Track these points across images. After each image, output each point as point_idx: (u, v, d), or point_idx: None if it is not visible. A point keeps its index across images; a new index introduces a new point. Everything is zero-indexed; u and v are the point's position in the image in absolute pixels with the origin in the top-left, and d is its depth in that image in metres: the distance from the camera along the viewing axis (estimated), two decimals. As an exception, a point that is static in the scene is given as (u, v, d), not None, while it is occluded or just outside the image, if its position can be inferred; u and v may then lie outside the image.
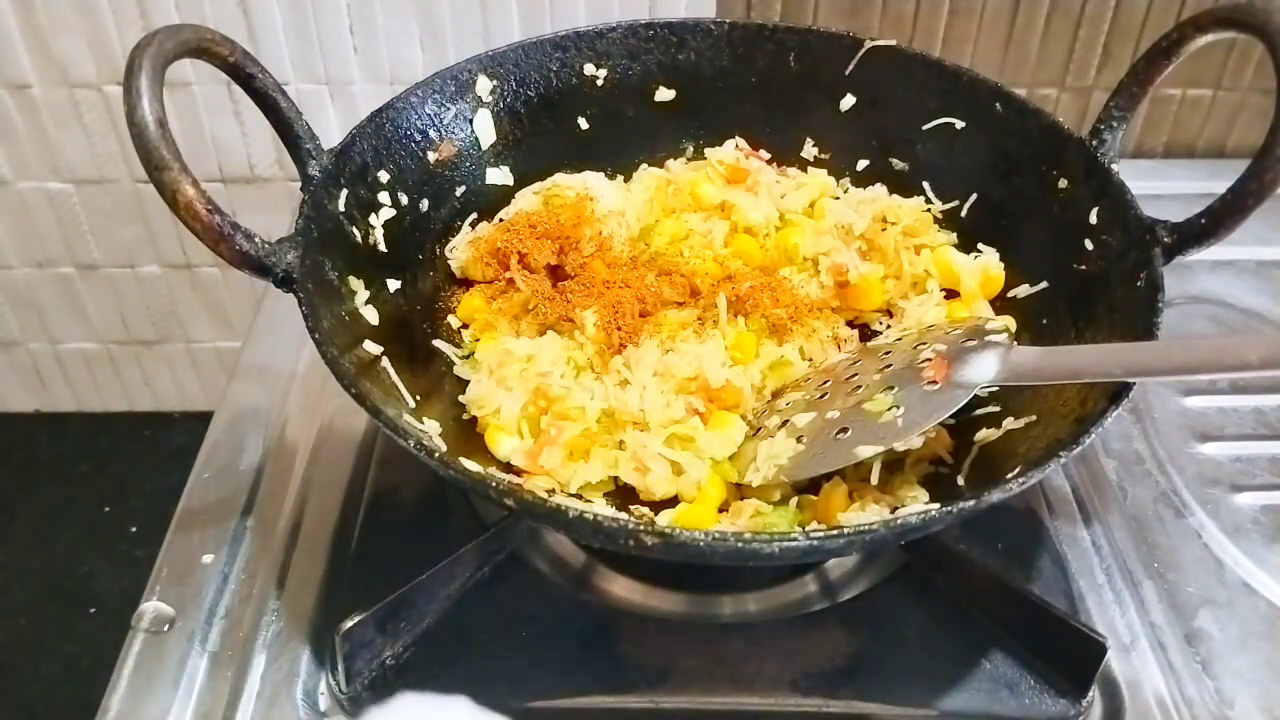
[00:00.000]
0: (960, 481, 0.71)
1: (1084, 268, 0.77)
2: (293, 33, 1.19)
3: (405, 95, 0.83)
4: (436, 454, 0.60)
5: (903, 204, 0.89)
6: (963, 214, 0.88)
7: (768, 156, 0.93)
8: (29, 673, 1.31)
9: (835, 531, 0.56)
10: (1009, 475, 0.60)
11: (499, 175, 0.90)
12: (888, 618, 0.73)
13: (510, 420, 0.74)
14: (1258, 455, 0.87)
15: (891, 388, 0.69)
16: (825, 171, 0.94)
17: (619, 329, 0.77)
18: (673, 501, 0.72)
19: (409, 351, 0.77)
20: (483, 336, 0.81)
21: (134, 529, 1.47)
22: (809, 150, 0.95)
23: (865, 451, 0.67)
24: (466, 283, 0.86)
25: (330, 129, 1.25)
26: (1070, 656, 0.67)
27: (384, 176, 0.80)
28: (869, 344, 0.81)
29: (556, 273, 0.83)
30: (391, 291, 0.78)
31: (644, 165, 0.95)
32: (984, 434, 0.73)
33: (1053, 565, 0.76)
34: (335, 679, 0.67)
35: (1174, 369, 0.62)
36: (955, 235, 0.88)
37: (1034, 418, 0.71)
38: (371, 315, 0.75)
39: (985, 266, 0.83)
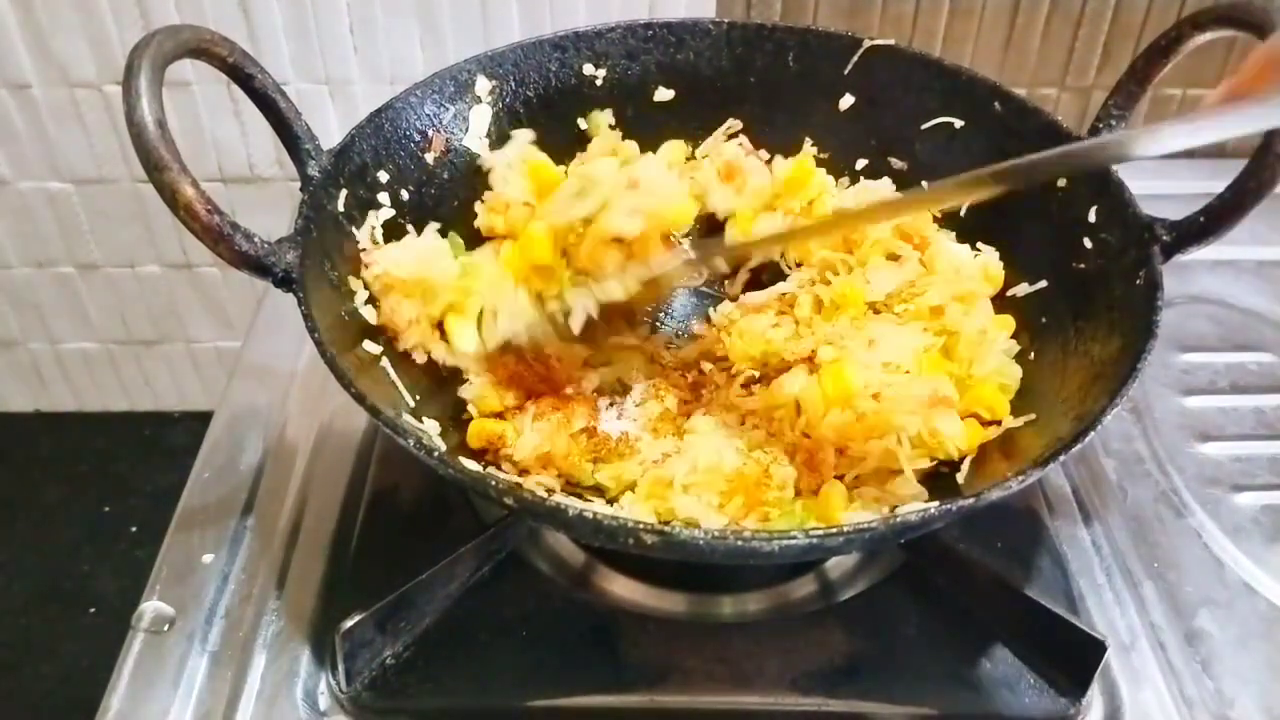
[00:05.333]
0: (960, 481, 0.71)
1: (1083, 266, 0.77)
2: (293, 33, 1.19)
3: (405, 95, 0.83)
4: (436, 453, 0.60)
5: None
6: (962, 213, 0.88)
7: (767, 157, 0.93)
8: (29, 673, 1.31)
9: (835, 530, 0.56)
10: (1009, 474, 0.60)
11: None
12: (888, 617, 0.73)
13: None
14: (1258, 455, 0.87)
15: None
16: (825, 171, 0.94)
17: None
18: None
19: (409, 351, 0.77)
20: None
21: (134, 529, 1.47)
22: (808, 150, 0.95)
23: None
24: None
25: (330, 129, 1.25)
26: (1070, 656, 0.67)
27: (383, 176, 0.80)
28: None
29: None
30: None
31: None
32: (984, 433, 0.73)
33: (1053, 565, 0.76)
34: (335, 679, 0.67)
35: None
36: (954, 234, 0.88)
37: (1034, 417, 0.71)
38: (371, 315, 0.75)
39: (985, 265, 0.83)
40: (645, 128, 0.94)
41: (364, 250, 0.77)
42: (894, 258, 0.85)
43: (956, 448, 0.72)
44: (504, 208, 0.85)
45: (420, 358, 0.77)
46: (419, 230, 0.83)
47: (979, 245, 0.86)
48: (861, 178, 0.93)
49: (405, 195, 0.82)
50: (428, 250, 0.79)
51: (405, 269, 0.75)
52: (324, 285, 0.70)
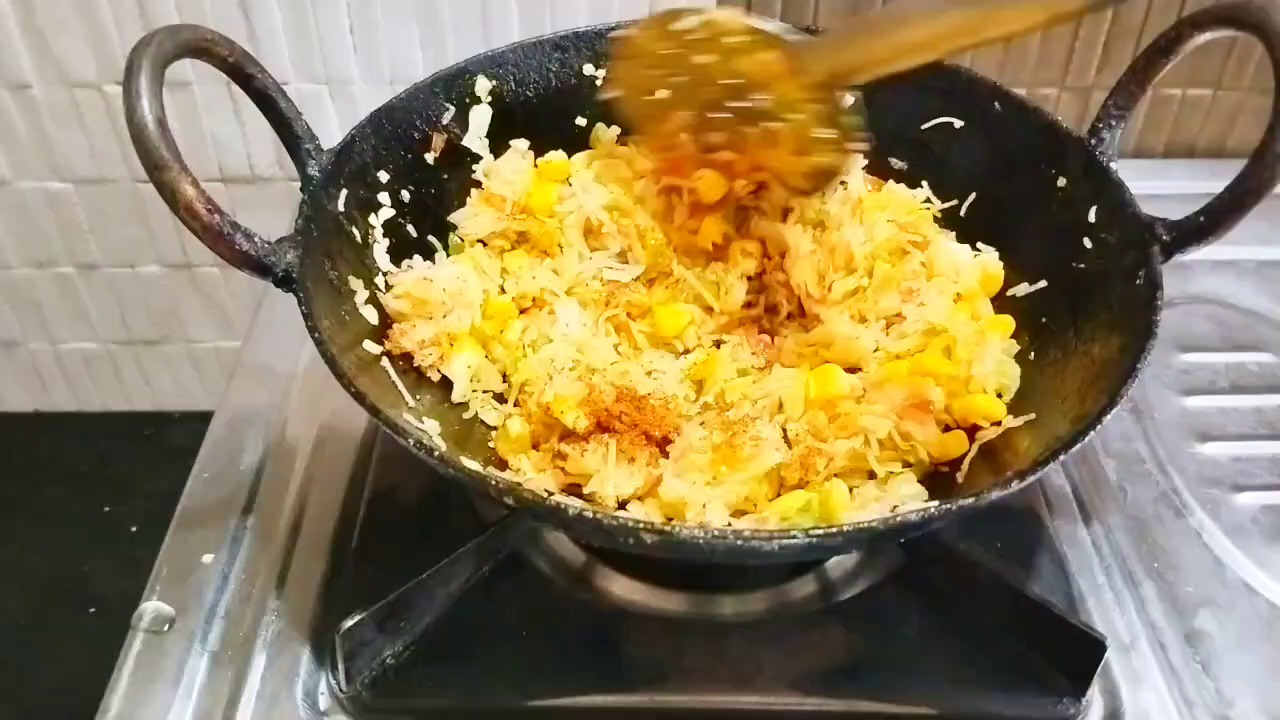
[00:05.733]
0: (960, 480, 0.71)
1: (1083, 266, 0.77)
2: (293, 33, 1.19)
3: (404, 95, 0.83)
4: (436, 453, 0.60)
5: (895, 190, 0.87)
6: (962, 213, 0.88)
7: None
8: (29, 673, 1.31)
9: (835, 530, 0.56)
10: (1009, 474, 0.60)
11: (498, 175, 0.90)
12: (888, 617, 0.73)
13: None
14: (1258, 455, 0.87)
15: None
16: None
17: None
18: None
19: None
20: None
21: (134, 529, 1.47)
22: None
23: None
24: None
25: (330, 129, 1.24)
26: (1070, 656, 0.67)
27: (383, 176, 0.80)
28: None
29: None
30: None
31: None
32: (983, 433, 0.73)
33: (1053, 565, 0.76)
34: (335, 678, 0.67)
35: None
36: (954, 234, 0.88)
37: (1033, 416, 0.71)
38: (371, 315, 0.75)
39: (985, 265, 0.83)
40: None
41: (388, 273, 0.78)
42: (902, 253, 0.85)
43: (929, 454, 0.72)
44: (500, 202, 0.84)
45: (434, 375, 0.77)
46: (418, 230, 0.83)
47: (979, 245, 0.86)
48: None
49: (405, 195, 0.82)
50: (455, 275, 0.79)
51: (433, 291, 0.76)
52: (324, 285, 0.70)
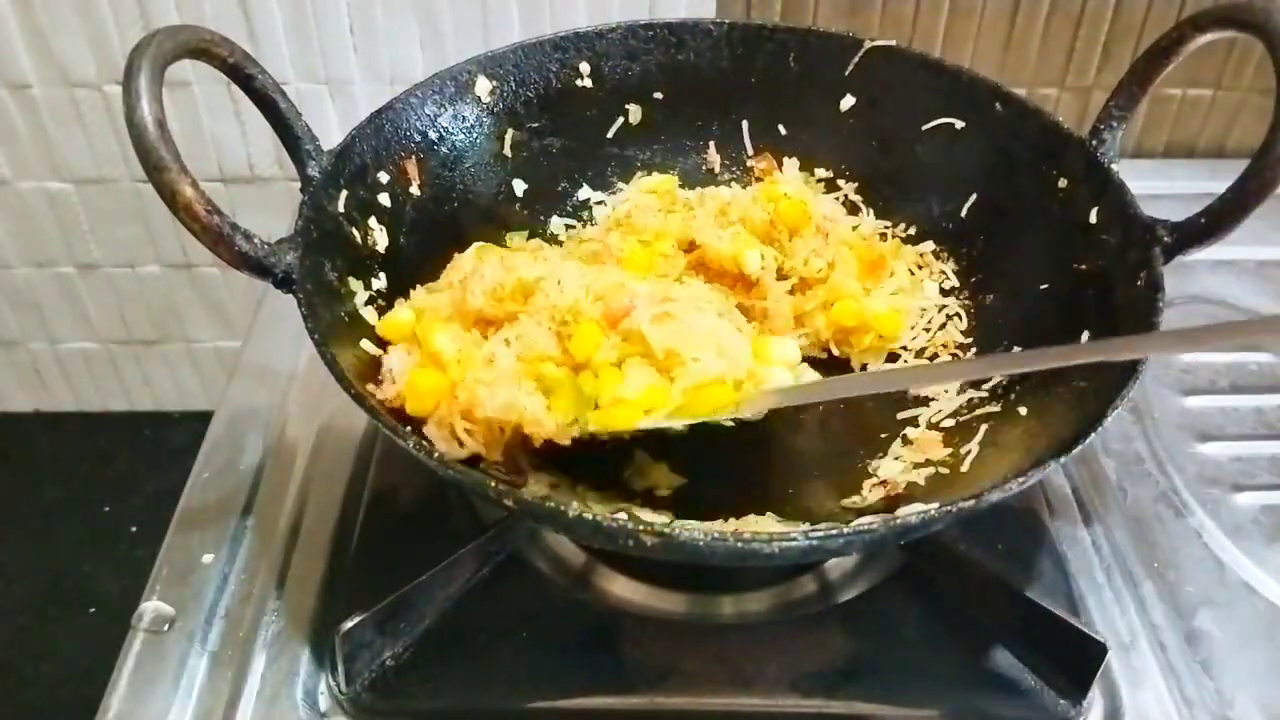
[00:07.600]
0: (960, 482, 0.71)
1: (1084, 267, 0.77)
2: (293, 33, 1.19)
3: (404, 96, 0.83)
4: (436, 454, 0.60)
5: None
6: (962, 214, 0.88)
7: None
8: (29, 673, 1.31)
9: (835, 531, 0.56)
10: (1009, 475, 0.60)
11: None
12: (888, 618, 0.73)
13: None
14: (1258, 455, 0.87)
15: None
16: (826, 169, 0.94)
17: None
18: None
19: (409, 352, 0.76)
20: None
21: (134, 529, 1.47)
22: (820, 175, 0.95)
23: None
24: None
25: (330, 129, 1.25)
26: (1070, 657, 0.67)
27: (383, 177, 0.80)
28: None
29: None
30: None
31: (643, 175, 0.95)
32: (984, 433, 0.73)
33: (1053, 565, 0.76)
34: (335, 679, 0.67)
35: None
36: (956, 235, 0.88)
37: (1031, 416, 0.71)
38: (371, 315, 0.75)
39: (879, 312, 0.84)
40: (644, 128, 0.94)
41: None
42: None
43: None
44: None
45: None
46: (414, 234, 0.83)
47: (976, 242, 0.86)
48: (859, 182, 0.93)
49: (404, 197, 0.82)
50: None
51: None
52: (324, 286, 0.70)
